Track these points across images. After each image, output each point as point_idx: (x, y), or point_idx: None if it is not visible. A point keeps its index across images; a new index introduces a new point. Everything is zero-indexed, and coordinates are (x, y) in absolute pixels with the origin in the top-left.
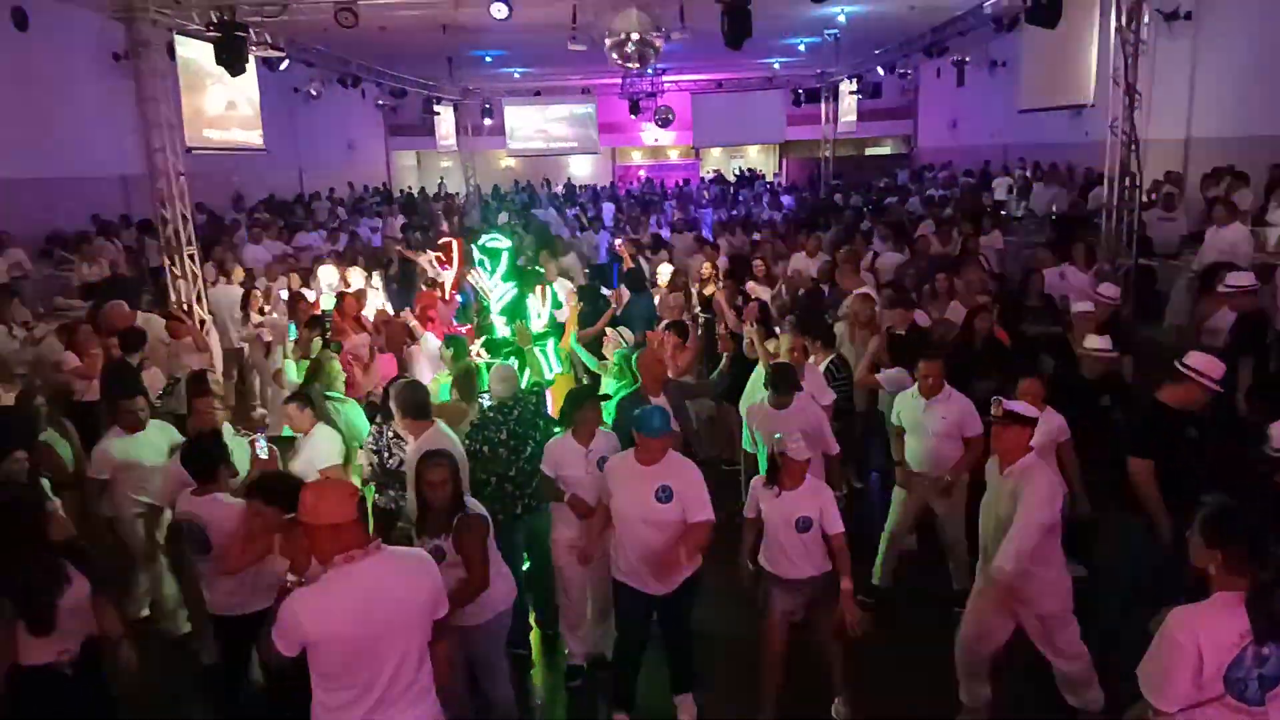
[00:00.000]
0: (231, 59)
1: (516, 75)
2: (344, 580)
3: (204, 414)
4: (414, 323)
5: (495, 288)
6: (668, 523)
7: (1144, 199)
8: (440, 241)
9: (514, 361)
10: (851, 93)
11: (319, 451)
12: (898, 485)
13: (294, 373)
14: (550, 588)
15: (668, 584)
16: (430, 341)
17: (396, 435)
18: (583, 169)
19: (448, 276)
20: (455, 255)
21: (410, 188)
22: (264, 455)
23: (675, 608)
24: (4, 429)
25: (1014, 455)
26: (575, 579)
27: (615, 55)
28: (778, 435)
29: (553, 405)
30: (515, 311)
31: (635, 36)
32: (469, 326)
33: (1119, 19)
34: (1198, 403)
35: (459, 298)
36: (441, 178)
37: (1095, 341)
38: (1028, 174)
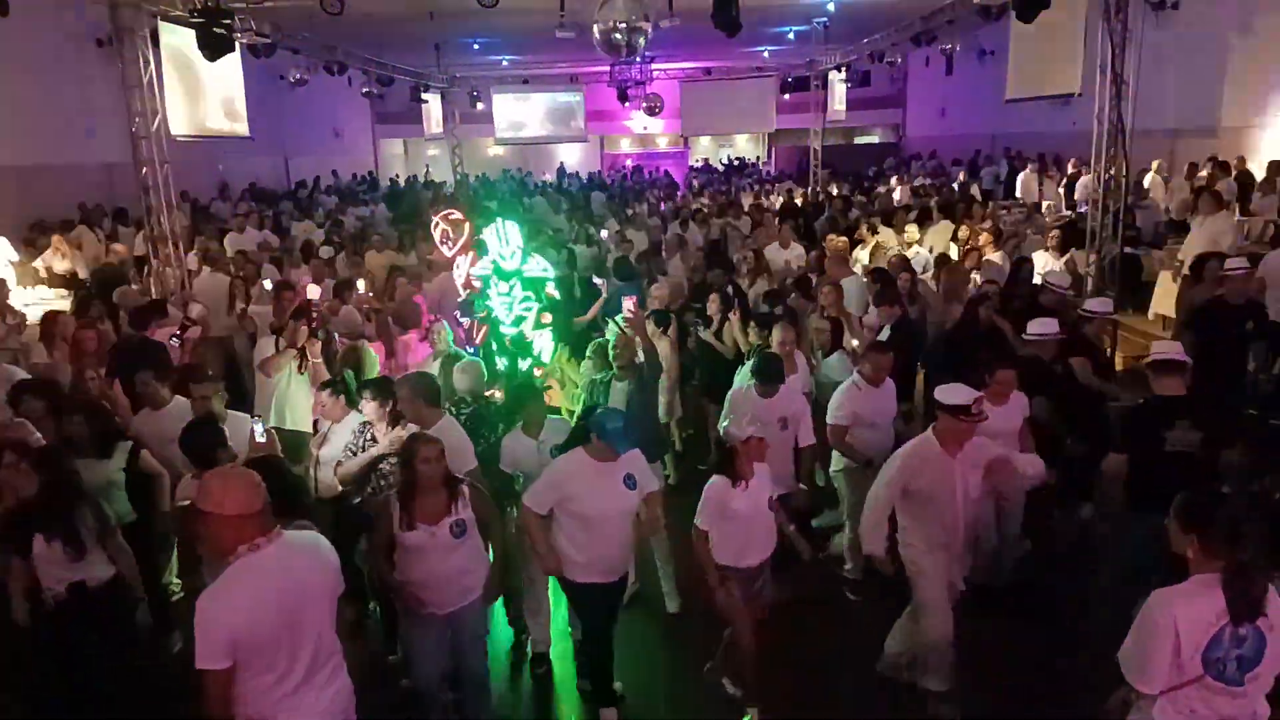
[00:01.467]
0: (213, 45)
1: (504, 63)
2: (250, 571)
3: (200, 401)
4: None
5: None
6: (635, 507)
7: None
8: (448, 216)
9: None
10: (841, 81)
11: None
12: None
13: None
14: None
15: (622, 569)
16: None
17: (373, 436)
18: (571, 157)
19: (462, 264)
20: (466, 232)
21: (397, 176)
22: (261, 439)
23: (618, 591)
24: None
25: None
26: (538, 572)
27: (603, 42)
28: (724, 423)
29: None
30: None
31: (623, 24)
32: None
33: (1107, 9)
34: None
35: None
36: (428, 165)
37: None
38: (1014, 163)
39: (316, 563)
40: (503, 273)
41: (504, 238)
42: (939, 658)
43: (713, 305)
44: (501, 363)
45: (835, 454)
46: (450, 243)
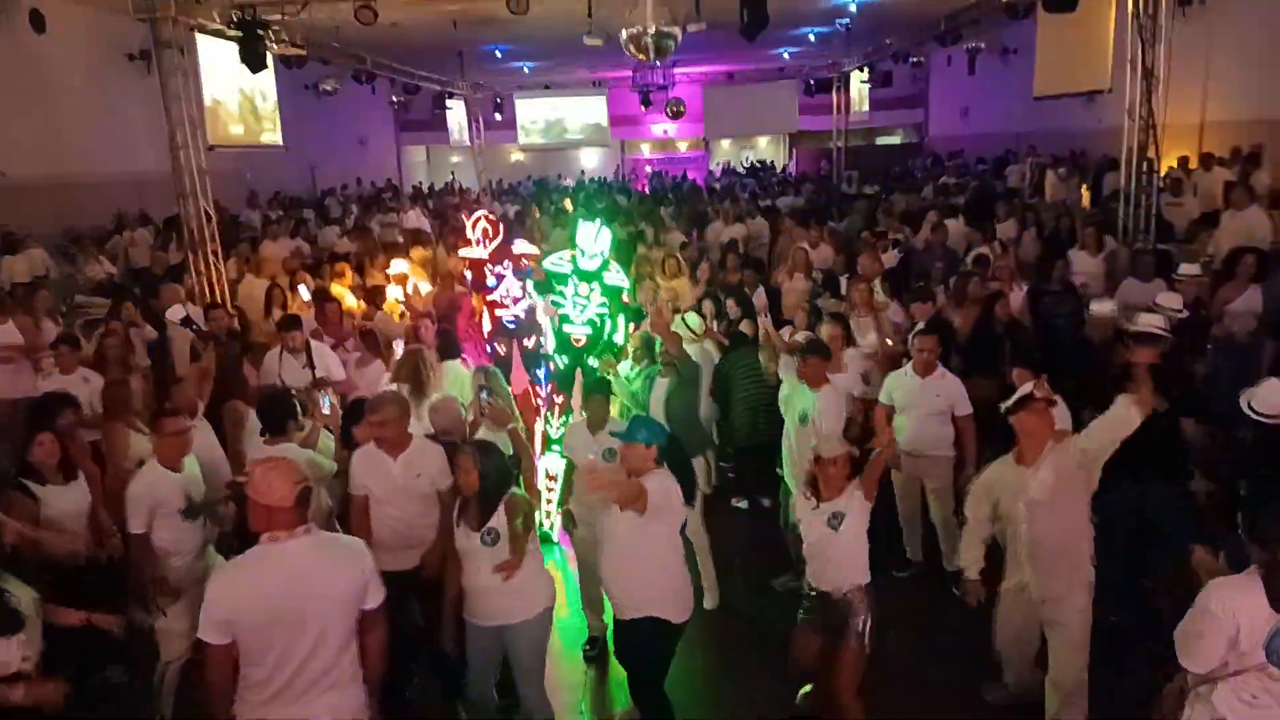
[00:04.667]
0: (253, 57)
1: (526, 70)
2: (262, 560)
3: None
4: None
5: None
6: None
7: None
8: (477, 215)
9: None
10: (863, 82)
11: None
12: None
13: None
14: None
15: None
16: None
17: None
18: (591, 162)
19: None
20: (501, 233)
21: (420, 183)
22: (327, 411)
23: None
24: None
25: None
26: (589, 563)
27: (632, 48)
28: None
29: None
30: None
31: (652, 29)
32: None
33: (1136, 4)
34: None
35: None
36: (452, 172)
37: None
38: (1042, 161)
39: (339, 570)
40: (583, 274)
41: (595, 238)
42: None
43: (732, 308)
44: (561, 360)
45: None
46: (486, 240)
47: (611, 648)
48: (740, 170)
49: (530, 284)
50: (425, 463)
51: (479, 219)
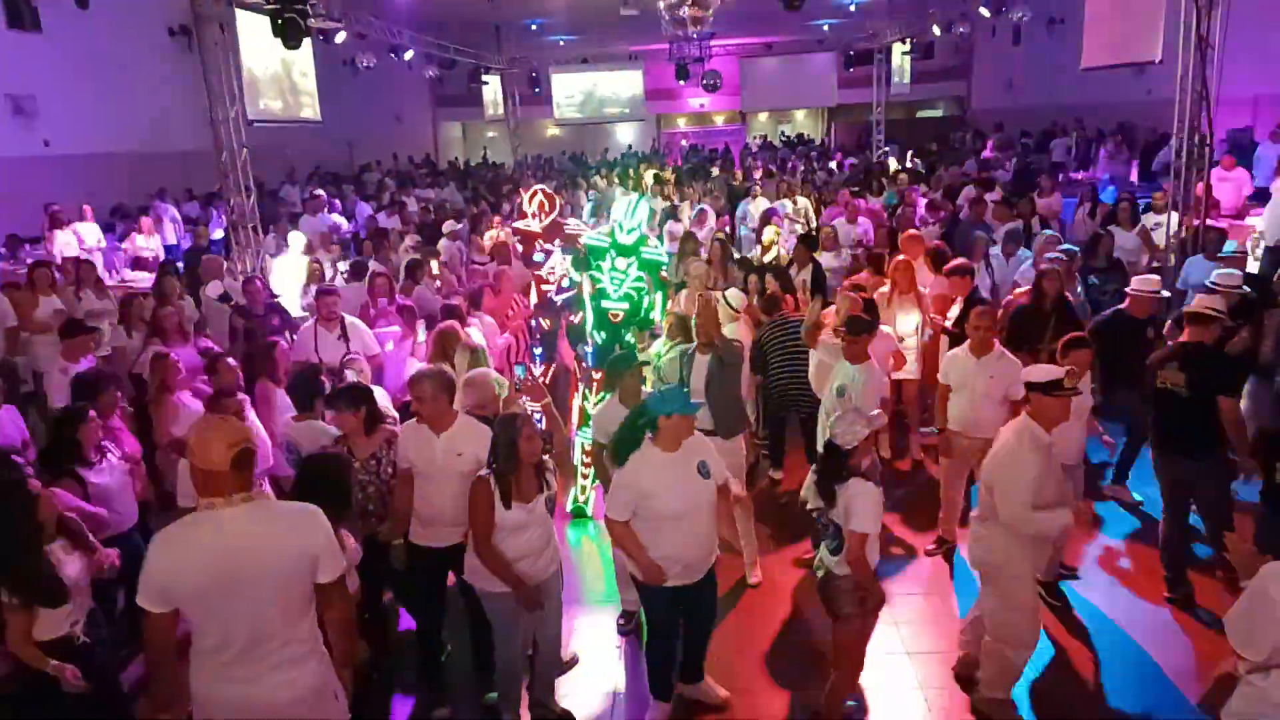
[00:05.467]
0: (290, 31)
1: (561, 43)
2: (196, 527)
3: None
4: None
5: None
6: (714, 499)
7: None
8: (535, 188)
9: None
10: (904, 54)
11: None
12: (940, 453)
13: None
14: None
15: (704, 568)
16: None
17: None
18: (626, 136)
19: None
20: (558, 208)
21: (456, 159)
22: (354, 376)
23: (709, 593)
24: None
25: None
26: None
27: (670, 19)
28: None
29: None
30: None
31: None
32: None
33: None
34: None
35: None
36: (485, 148)
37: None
38: (1087, 135)
39: (282, 540)
40: (621, 248)
41: (632, 212)
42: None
43: (771, 284)
44: (599, 336)
45: None
46: (544, 214)
47: (646, 620)
48: (777, 145)
49: (570, 261)
50: (467, 442)
51: (535, 192)
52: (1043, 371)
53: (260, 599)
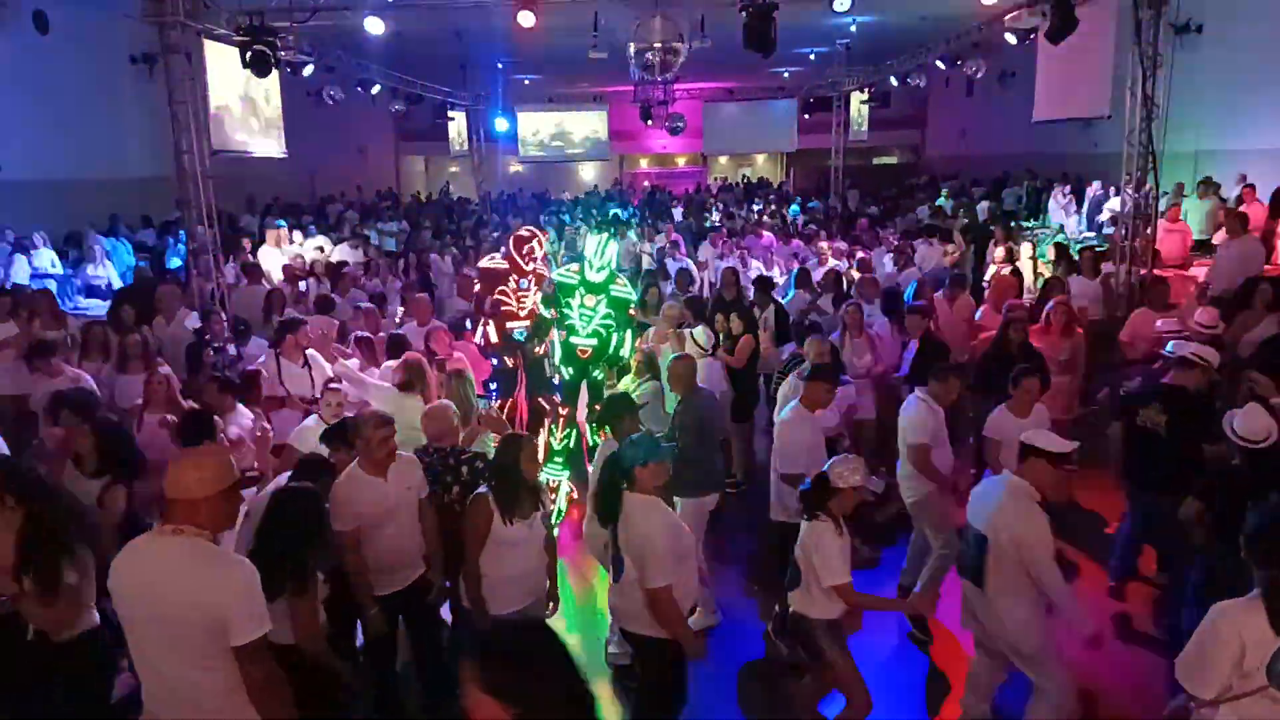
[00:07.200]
0: (259, 63)
1: (527, 81)
2: (133, 551)
3: None
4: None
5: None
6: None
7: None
8: (521, 233)
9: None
10: (863, 101)
11: None
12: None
13: None
14: None
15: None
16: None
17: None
18: (588, 175)
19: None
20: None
21: (419, 193)
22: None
23: None
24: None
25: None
26: None
27: (637, 63)
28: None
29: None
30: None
31: (658, 44)
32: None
33: (1137, 33)
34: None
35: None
36: (448, 182)
37: None
38: (1037, 184)
39: (192, 586)
40: (591, 286)
41: (600, 251)
42: None
43: (735, 324)
44: (566, 372)
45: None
46: (531, 257)
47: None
48: (734, 186)
49: (539, 297)
50: (410, 474)
51: (533, 235)
52: (1054, 441)
53: (164, 636)
